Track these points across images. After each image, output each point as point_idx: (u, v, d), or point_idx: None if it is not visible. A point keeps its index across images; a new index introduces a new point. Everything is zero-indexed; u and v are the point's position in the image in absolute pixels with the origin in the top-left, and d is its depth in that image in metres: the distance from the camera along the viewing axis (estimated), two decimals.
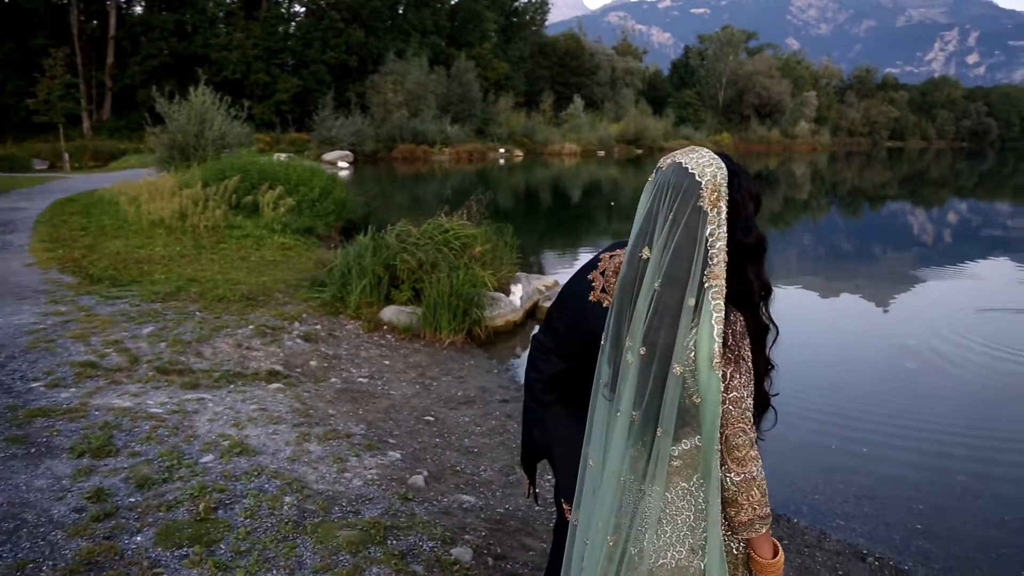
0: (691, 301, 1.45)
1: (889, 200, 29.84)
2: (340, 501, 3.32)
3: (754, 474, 1.50)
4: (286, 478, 3.48)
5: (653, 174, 1.58)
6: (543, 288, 9.16)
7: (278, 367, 5.47)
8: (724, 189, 1.48)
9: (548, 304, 8.67)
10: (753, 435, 1.50)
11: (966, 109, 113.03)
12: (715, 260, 1.45)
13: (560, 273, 10.41)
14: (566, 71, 67.13)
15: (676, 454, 1.52)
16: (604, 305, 2.23)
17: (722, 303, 1.45)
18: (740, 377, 1.48)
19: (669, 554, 1.54)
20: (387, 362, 6.22)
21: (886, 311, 9.92)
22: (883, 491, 4.41)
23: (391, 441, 4.36)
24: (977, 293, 10.75)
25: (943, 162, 64.07)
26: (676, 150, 1.58)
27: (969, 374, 6.80)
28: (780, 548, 1.57)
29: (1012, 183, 42.25)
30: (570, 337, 2.31)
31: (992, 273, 13.12)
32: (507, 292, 7.98)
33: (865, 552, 3.68)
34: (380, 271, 7.39)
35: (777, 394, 1.65)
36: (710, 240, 1.45)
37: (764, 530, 1.53)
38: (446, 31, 57.37)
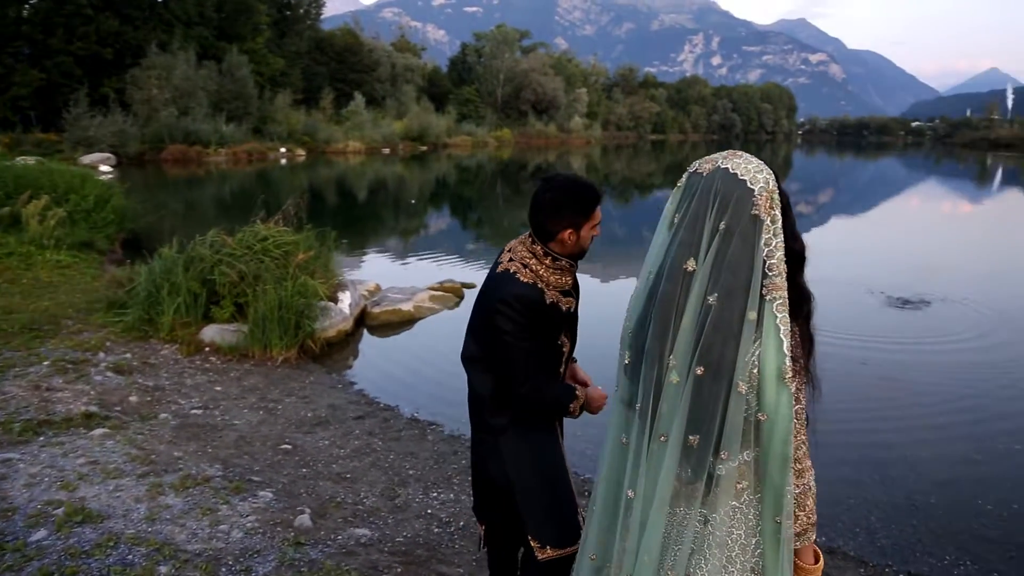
0: (752, 315, 1.36)
1: (656, 188, 32.54)
2: (225, 560, 2.89)
3: (811, 484, 1.46)
4: (152, 543, 2.96)
5: (683, 179, 1.49)
6: (366, 293, 8.80)
7: (93, 408, 4.69)
8: (776, 196, 1.41)
9: (377, 310, 8.40)
10: (807, 446, 1.45)
11: (715, 106, 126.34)
12: (774, 270, 1.38)
13: (379, 277, 10.04)
14: (345, 67, 65.40)
15: (724, 473, 1.43)
16: (564, 309, 2.12)
17: (787, 315, 1.38)
18: (802, 389, 1.43)
19: (705, 572, 1.45)
20: (219, 388, 5.60)
21: None
22: None
23: (256, 479, 3.90)
24: None
25: (699, 152, 70.58)
26: (707, 156, 1.49)
27: None
28: (820, 553, 1.54)
29: None
30: (549, 344, 2.19)
31: None
32: (335, 300, 7.54)
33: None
34: (196, 287, 6.64)
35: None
36: (767, 250, 1.38)
37: (813, 537, 1.49)
38: (214, 23, 53.43)
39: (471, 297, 9.25)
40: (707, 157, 1.48)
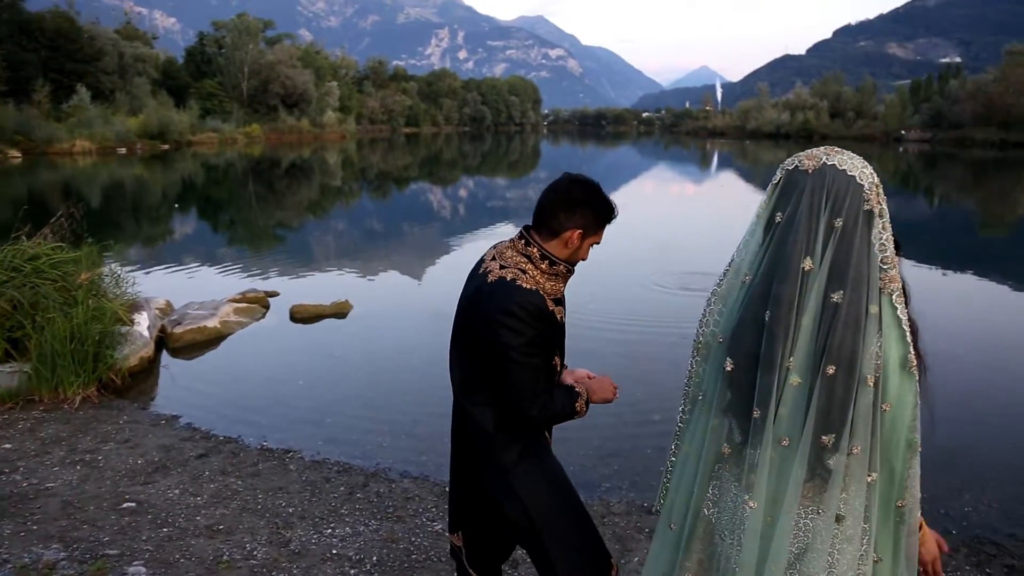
0: (874, 308, 1.37)
1: (414, 180, 32.83)
2: None
3: (918, 467, 1.46)
4: None
5: (780, 176, 1.46)
6: (159, 312, 7.78)
7: None
8: (882, 190, 1.41)
9: (179, 330, 7.43)
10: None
11: (465, 98, 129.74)
12: (888, 263, 1.40)
13: (166, 292, 8.91)
14: (61, 56, 57.49)
15: (852, 467, 1.42)
16: (559, 319, 1.95)
17: (904, 306, 1.41)
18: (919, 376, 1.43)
19: (838, 570, 1.43)
20: (8, 446, 4.60)
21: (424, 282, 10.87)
22: None
23: (112, 551, 3.22)
24: None
25: (453, 145, 72.75)
26: (800, 152, 1.45)
27: None
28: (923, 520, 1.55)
29: (507, 161, 50.45)
30: (549, 359, 2.01)
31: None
32: (131, 323, 6.56)
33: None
34: None
35: None
36: (879, 243, 1.39)
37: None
38: None
39: (279, 307, 8.69)
40: (805, 153, 1.44)
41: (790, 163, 1.44)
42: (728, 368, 1.45)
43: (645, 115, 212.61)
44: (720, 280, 1.51)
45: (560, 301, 2.01)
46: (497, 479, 2.01)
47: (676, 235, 15.55)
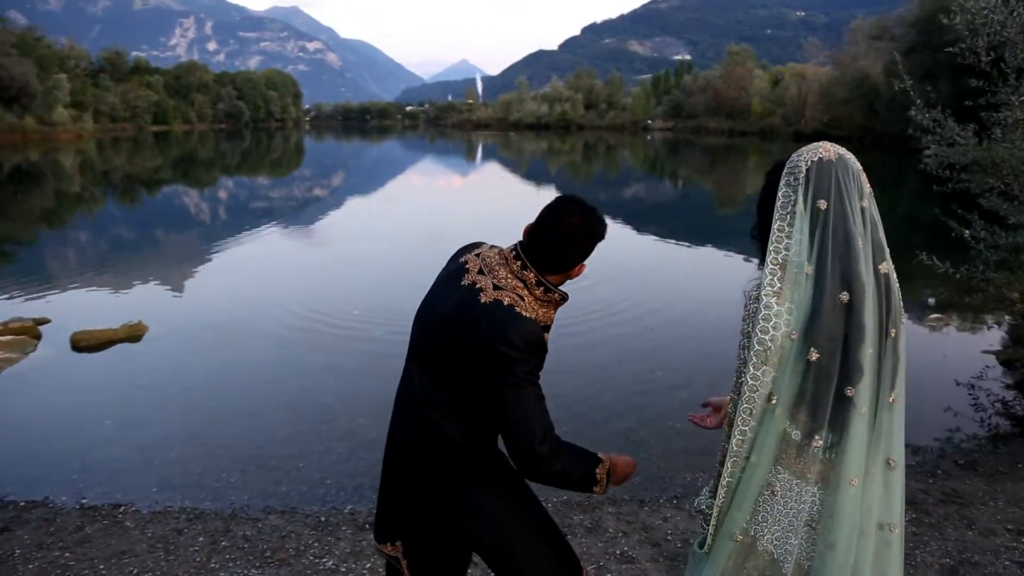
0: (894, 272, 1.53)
1: (167, 183, 30.16)
2: None
3: None
4: None
5: (808, 168, 1.48)
6: None
7: None
8: None
9: None
10: None
11: (219, 93, 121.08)
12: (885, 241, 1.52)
13: None
14: None
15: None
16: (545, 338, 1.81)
17: None
18: None
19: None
20: None
21: (214, 293, 10.06)
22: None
23: None
24: (262, 262, 12.19)
25: (209, 143, 67.85)
26: (805, 146, 1.53)
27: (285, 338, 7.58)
28: None
29: (269, 159, 48.27)
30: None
31: (273, 242, 14.96)
32: None
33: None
34: None
35: None
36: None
37: None
38: None
39: (54, 336, 7.40)
40: (816, 145, 1.51)
41: (812, 155, 1.48)
42: (813, 358, 1.44)
43: (409, 108, 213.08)
44: (769, 281, 1.47)
45: (547, 329, 1.86)
46: (462, 496, 1.85)
47: (446, 226, 15.76)
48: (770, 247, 1.48)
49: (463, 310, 1.76)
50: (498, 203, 22.26)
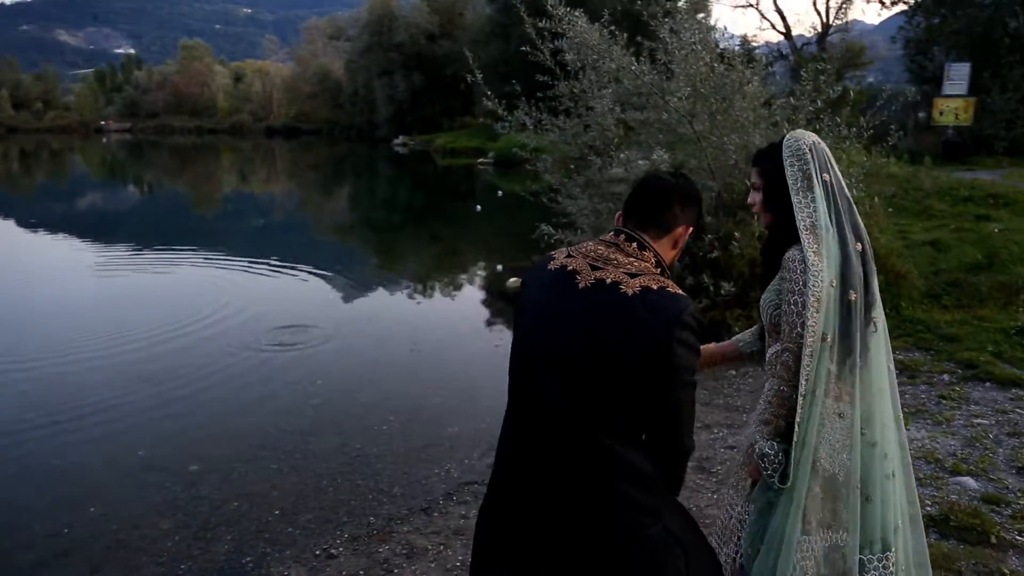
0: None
1: None
2: None
3: None
4: None
5: (806, 151, 1.88)
6: None
7: None
8: None
9: None
10: None
11: None
12: None
13: None
14: None
15: None
16: None
17: None
18: None
19: None
20: None
21: None
22: None
23: None
24: None
25: None
26: (793, 132, 1.94)
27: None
28: None
29: None
30: None
31: None
32: None
33: None
34: None
35: None
36: None
37: None
38: None
39: None
40: (798, 133, 1.92)
41: (806, 140, 1.88)
42: (852, 298, 1.80)
43: None
44: (808, 243, 1.80)
45: None
46: (646, 523, 1.60)
47: None
48: (798, 216, 1.82)
49: (607, 312, 1.60)
50: None
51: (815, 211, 1.81)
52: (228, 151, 48.58)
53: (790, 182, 1.83)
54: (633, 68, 6.91)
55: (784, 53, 30.91)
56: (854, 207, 1.84)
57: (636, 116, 7.66)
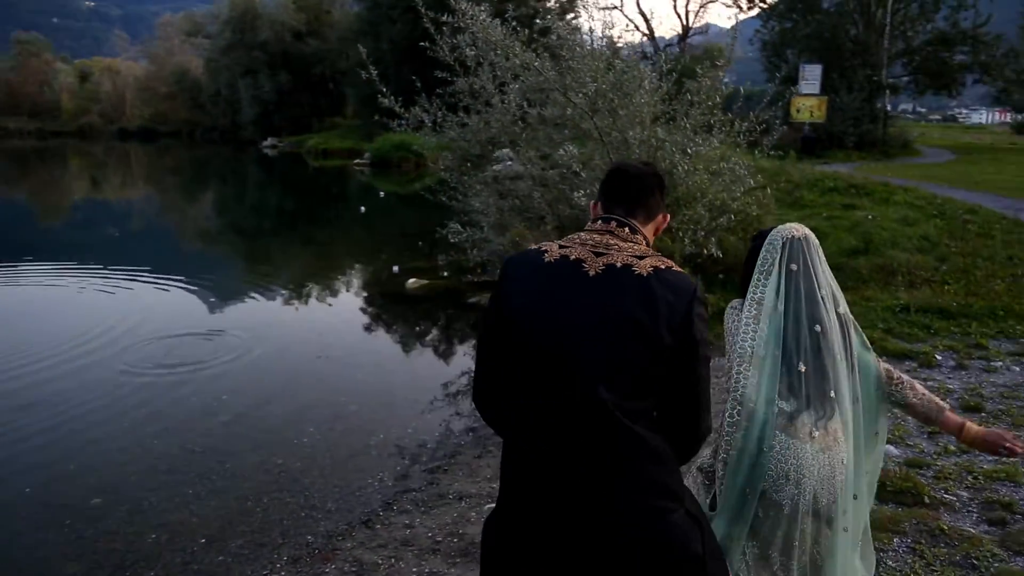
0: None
1: None
2: None
3: None
4: None
5: (783, 243, 2.01)
6: None
7: None
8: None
9: None
10: None
11: None
12: None
13: None
14: None
15: None
16: None
17: None
18: None
19: None
20: None
21: None
22: None
23: None
24: None
25: None
26: (780, 226, 2.06)
27: None
28: None
29: None
30: None
31: None
32: None
33: None
34: None
35: None
36: None
37: None
38: None
39: None
40: (791, 225, 2.05)
41: (787, 233, 2.01)
42: (802, 369, 1.92)
43: None
44: (747, 309, 1.97)
45: None
46: (672, 509, 1.60)
47: None
48: (750, 290, 1.99)
49: (628, 294, 1.60)
50: None
51: (764, 290, 1.96)
52: (76, 155, 44.93)
53: (757, 263, 1.99)
54: (536, 64, 6.92)
55: (647, 54, 32.20)
56: (819, 298, 1.95)
57: (537, 112, 7.69)
